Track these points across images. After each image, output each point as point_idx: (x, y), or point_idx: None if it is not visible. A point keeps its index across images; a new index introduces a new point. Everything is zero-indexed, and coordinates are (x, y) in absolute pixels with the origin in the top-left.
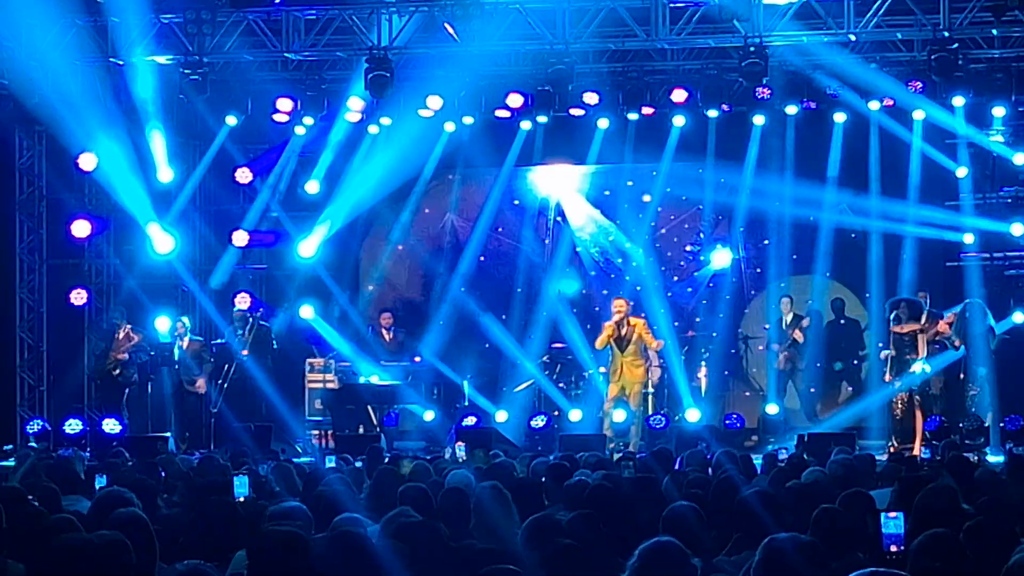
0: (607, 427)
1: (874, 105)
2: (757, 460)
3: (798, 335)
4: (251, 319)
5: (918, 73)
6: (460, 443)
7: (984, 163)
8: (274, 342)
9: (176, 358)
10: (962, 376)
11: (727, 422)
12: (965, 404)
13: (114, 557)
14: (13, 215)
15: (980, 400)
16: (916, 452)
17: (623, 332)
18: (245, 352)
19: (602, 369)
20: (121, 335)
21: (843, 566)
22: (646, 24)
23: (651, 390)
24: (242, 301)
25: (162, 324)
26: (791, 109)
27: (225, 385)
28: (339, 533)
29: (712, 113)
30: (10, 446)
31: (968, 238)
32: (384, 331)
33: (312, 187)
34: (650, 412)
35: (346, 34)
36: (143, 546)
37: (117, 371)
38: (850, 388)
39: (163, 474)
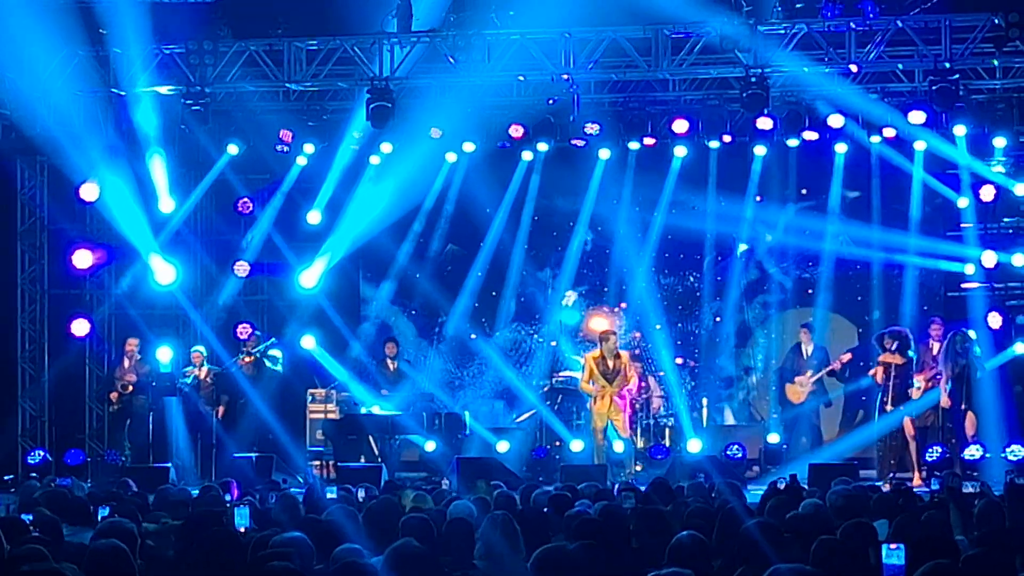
0: (600, 457)
1: (875, 137)
2: (759, 491)
3: (836, 366)
4: (260, 344)
5: (919, 103)
6: (455, 474)
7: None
8: (279, 366)
9: (192, 385)
10: (963, 407)
11: (728, 453)
12: (965, 434)
13: None
14: (15, 245)
15: (981, 430)
16: (917, 483)
17: (611, 365)
18: (247, 359)
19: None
20: (127, 363)
21: None
22: (647, 55)
23: (651, 420)
24: (243, 331)
25: (164, 354)
26: (792, 141)
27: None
28: (342, 564)
29: (713, 144)
30: (11, 476)
31: (970, 268)
32: (389, 360)
33: (314, 217)
34: (651, 442)
35: (348, 64)
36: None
37: (129, 390)
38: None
39: (150, 499)
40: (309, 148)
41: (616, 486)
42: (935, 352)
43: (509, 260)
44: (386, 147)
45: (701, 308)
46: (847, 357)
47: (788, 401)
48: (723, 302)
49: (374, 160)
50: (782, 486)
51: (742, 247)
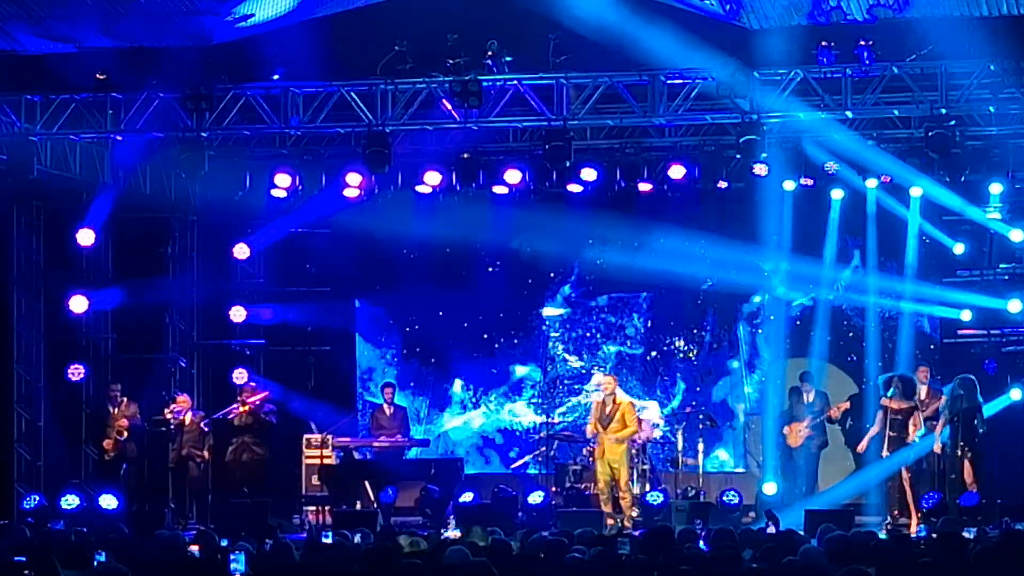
0: (604, 503)
1: (871, 182)
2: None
3: (835, 413)
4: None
5: (915, 150)
6: (451, 519)
7: (981, 240)
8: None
9: (181, 432)
10: (959, 453)
11: (724, 499)
12: (963, 480)
13: None
14: (10, 290)
15: (977, 476)
16: (912, 529)
17: (607, 410)
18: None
19: (587, 449)
20: (116, 410)
21: None
22: (644, 100)
23: (647, 466)
24: (239, 376)
25: (159, 399)
26: (788, 185)
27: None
28: None
29: (710, 189)
30: (6, 521)
31: (965, 315)
32: (386, 405)
33: (310, 261)
34: (648, 488)
35: (345, 110)
36: None
37: (124, 435)
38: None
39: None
40: (305, 192)
41: (612, 531)
42: (923, 396)
43: (503, 302)
44: (383, 191)
45: (699, 351)
46: (845, 405)
47: (786, 445)
48: (722, 345)
49: (371, 204)
50: (771, 531)
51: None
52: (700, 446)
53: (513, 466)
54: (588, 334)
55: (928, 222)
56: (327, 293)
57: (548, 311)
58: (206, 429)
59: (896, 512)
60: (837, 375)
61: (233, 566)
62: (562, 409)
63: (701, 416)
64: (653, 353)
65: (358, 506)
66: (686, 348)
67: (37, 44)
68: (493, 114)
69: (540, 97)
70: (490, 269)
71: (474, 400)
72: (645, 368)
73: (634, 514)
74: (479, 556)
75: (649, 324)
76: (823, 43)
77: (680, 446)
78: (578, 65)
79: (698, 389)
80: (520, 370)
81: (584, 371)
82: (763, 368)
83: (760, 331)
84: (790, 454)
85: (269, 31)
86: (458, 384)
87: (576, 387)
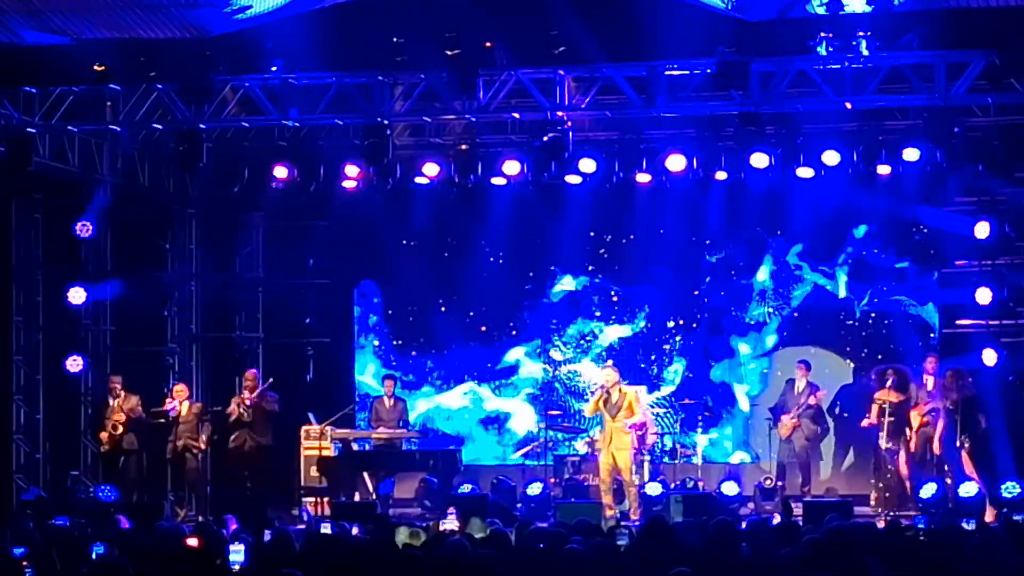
0: (605, 494)
1: (870, 174)
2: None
3: (813, 400)
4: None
5: (915, 140)
6: (451, 510)
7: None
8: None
9: (177, 423)
10: (958, 443)
11: (722, 490)
12: (963, 470)
13: None
14: (9, 282)
15: (976, 467)
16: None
17: (614, 399)
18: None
19: (591, 438)
20: (115, 402)
21: None
22: (643, 92)
23: (647, 456)
24: (250, 375)
25: (159, 392)
26: (788, 175)
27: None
28: None
29: (709, 179)
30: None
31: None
32: (386, 397)
33: (308, 253)
34: (647, 479)
35: (343, 101)
36: None
37: (119, 431)
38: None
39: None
40: (303, 184)
41: (610, 522)
42: (930, 388)
43: (502, 294)
44: (381, 183)
45: (698, 334)
46: (822, 394)
47: (778, 436)
48: (721, 328)
49: (369, 196)
50: (775, 523)
51: (763, 273)
52: (699, 436)
53: (512, 456)
54: (587, 324)
55: (929, 212)
56: (326, 285)
57: (548, 301)
58: (208, 427)
59: (888, 499)
60: (835, 363)
61: (233, 557)
62: (560, 411)
63: (704, 409)
64: (653, 353)
65: (357, 498)
66: (685, 332)
67: (35, 36)
68: (492, 106)
69: (539, 88)
70: (491, 259)
71: (471, 388)
72: (645, 356)
73: (636, 504)
74: (478, 547)
75: (649, 313)
76: (822, 34)
77: (678, 435)
78: (577, 56)
79: (691, 376)
80: (520, 361)
81: (582, 361)
82: (763, 351)
83: (761, 315)
84: (784, 445)
85: (267, 22)
86: (457, 374)
87: (574, 378)
